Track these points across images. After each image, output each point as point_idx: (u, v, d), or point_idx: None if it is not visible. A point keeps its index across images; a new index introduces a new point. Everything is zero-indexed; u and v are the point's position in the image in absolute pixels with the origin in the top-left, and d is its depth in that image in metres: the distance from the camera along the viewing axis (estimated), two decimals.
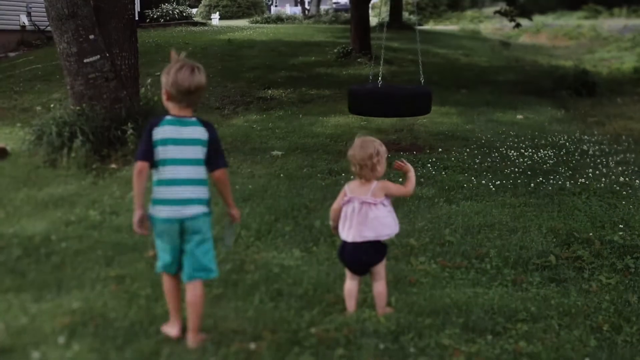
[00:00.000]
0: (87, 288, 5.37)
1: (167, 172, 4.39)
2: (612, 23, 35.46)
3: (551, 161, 10.77)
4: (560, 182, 9.41)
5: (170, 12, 29.19)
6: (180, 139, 4.39)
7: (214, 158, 4.47)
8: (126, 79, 9.95)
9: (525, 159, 10.81)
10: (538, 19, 36.72)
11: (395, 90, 11.00)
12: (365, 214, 4.87)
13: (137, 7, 24.00)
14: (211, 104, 13.93)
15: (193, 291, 4.49)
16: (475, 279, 5.98)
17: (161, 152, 4.38)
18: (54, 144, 9.01)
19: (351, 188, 4.96)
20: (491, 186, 9.00)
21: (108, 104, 9.54)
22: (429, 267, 6.14)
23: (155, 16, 28.38)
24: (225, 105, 13.93)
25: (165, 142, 4.37)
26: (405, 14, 41.57)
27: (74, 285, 5.43)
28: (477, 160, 10.47)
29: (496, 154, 11.09)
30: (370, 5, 25.62)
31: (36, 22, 19.88)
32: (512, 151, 11.34)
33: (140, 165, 4.37)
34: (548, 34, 40.28)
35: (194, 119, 4.47)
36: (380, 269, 5.03)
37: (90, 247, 6.24)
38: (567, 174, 9.97)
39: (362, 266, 5.02)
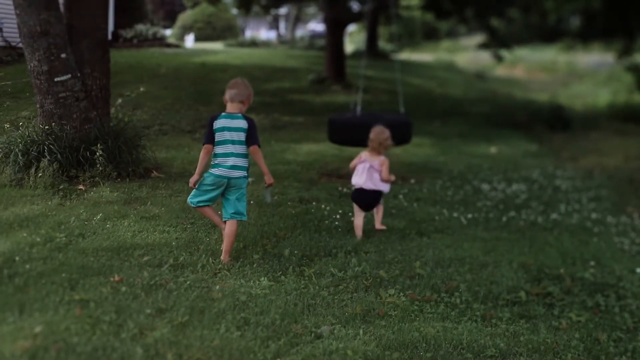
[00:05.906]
0: (50, 311, 5.24)
1: (222, 148, 6.53)
2: (588, 58, 35.78)
3: (524, 196, 10.81)
4: (532, 217, 9.44)
5: (144, 32, 29.05)
6: (231, 127, 6.52)
7: (249, 139, 6.56)
8: (97, 99, 9.83)
9: (498, 193, 10.83)
10: (514, 51, 37.05)
11: (374, 119, 10.90)
12: (370, 174, 7.74)
13: (111, 27, 23.88)
14: (182, 127, 13.78)
15: (230, 226, 6.59)
16: (444, 313, 5.95)
17: (219, 136, 6.52)
18: (20, 162, 8.89)
19: (365, 155, 7.86)
20: (463, 219, 8.99)
21: (78, 124, 9.42)
22: (398, 299, 6.09)
23: (129, 36, 28.23)
24: (196, 128, 13.75)
25: (223, 129, 6.52)
26: (381, 43, 41.80)
27: (36, 308, 5.30)
28: (450, 193, 10.47)
29: (469, 186, 11.10)
30: (345, 33, 25.71)
31: (7, 38, 19.69)
32: (485, 184, 11.36)
33: (207, 147, 6.57)
34: (524, 67, 40.58)
35: (239, 114, 6.59)
36: (380, 203, 8.01)
37: (54, 270, 6.10)
38: (540, 209, 10.00)
39: (369, 204, 7.81)
